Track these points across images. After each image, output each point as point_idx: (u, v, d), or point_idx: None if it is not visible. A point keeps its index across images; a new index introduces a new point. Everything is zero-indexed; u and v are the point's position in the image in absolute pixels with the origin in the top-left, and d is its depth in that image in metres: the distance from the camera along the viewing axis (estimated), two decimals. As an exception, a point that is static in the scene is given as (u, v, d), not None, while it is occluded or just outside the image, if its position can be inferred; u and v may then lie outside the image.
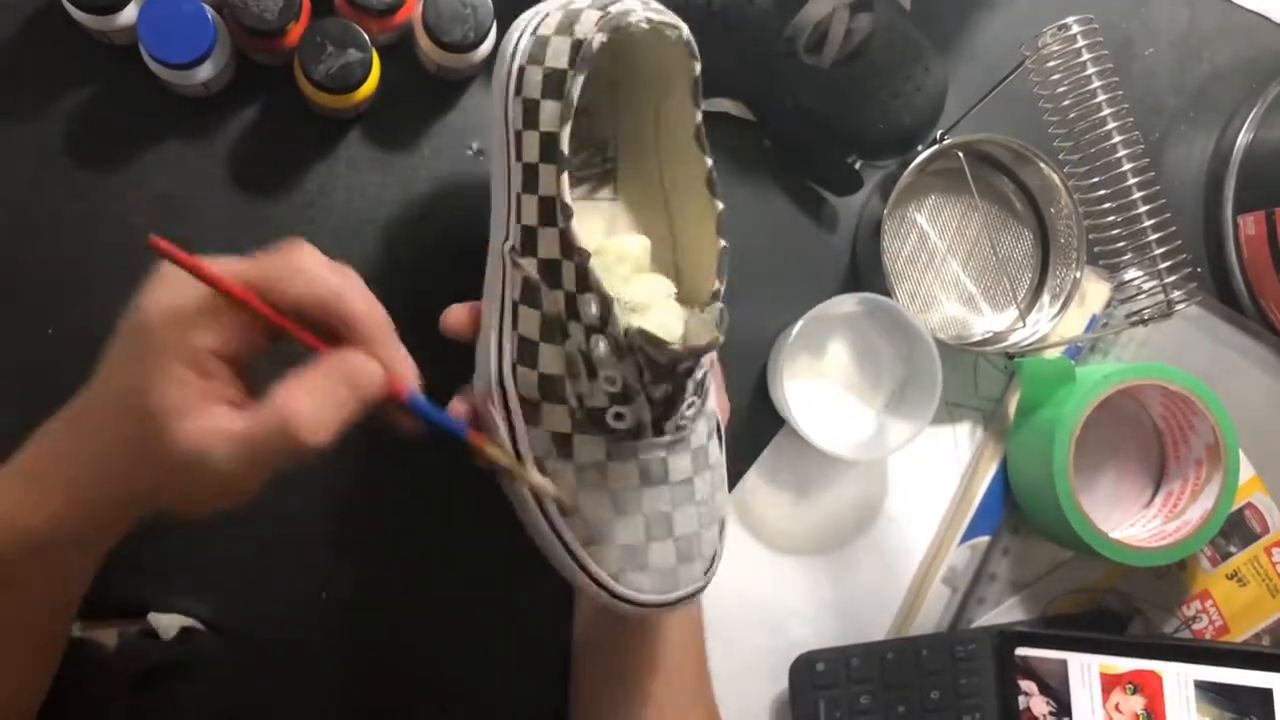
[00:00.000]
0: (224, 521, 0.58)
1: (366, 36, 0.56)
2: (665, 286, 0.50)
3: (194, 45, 0.54)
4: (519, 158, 0.48)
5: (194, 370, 0.39)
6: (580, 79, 0.46)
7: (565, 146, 0.47)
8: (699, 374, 0.48)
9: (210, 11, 0.55)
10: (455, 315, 0.51)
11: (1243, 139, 0.72)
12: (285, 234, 0.59)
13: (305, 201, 0.60)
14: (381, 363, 0.42)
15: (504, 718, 0.62)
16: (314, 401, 0.39)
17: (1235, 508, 0.68)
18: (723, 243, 0.49)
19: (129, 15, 0.55)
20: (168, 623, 0.57)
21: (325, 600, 0.60)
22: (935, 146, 0.64)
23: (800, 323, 0.61)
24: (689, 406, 0.48)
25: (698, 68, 0.49)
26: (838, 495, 0.66)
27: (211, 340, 0.39)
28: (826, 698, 0.62)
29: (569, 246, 0.46)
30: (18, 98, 0.58)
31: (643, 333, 0.44)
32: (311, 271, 0.41)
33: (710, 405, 0.51)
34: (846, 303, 0.62)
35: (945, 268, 0.68)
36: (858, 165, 0.66)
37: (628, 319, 0.46)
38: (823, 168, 0.66)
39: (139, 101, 0.59)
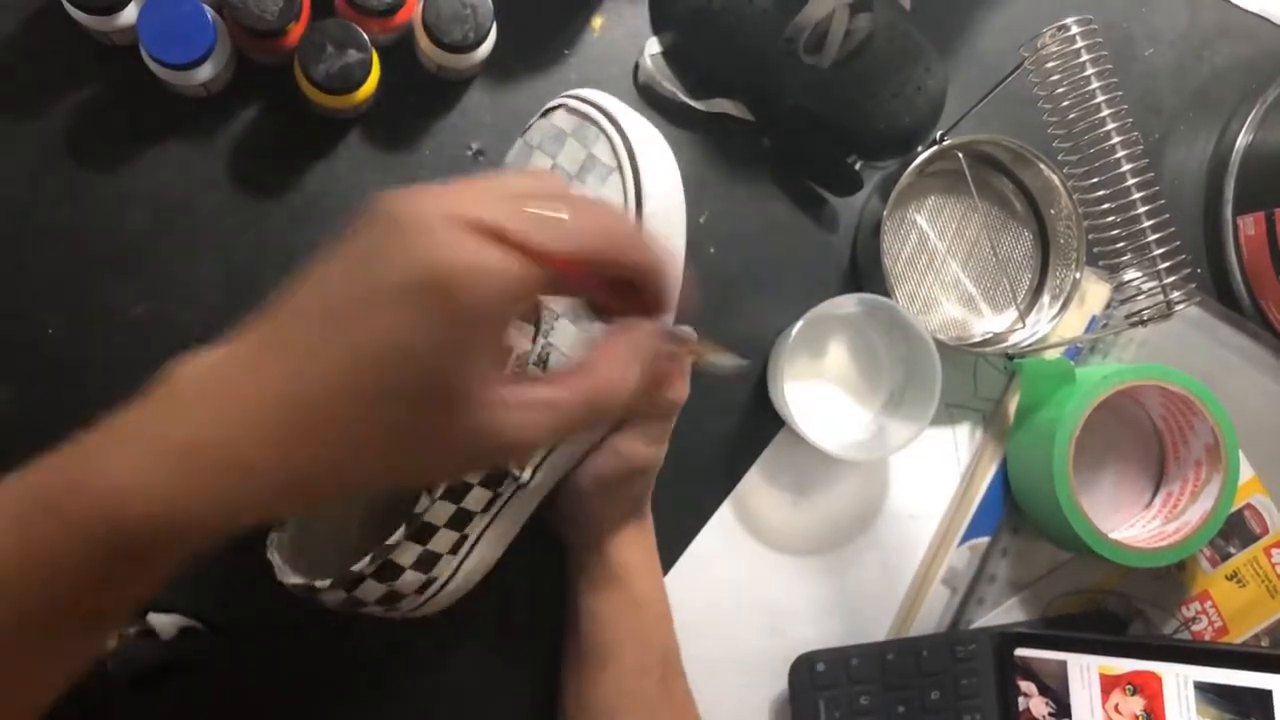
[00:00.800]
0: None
1: (366, 37, 0.56)
2: None
3: (194, 46, 0.54)
4: None
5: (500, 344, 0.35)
6: None
7: None
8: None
9: (210, 12, 0.55)
10: None
11: (1242, 140, 0.72)
12: (285, 235, 0.60)
13: (305, 202, 0.60)
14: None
15: (504, 716, 0.62)
16: (628, 373, 0.37)
17: (1235, 508, 0.68)
18: None
19: (129, 15, 0.55)
20: (167, 623, 0.57)
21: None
22: (935, 147, 0.64)
23: (800, 323, 0.61)
24: None
25: None
26: (837, 496, 0.66)
27: (519, 313, 0.36)
28: (826, 698, 0.62)
29: None
30: (18, 97, 0.58)
31: None
32: (646, 243, 0.37)
33: None
34: (846, 303, 0.62)
35: (945, 268, 0.68)
36: (858, 166, 0.66)
37: None
38: (822, 168, 0.66)
39: (139, 102, 0.59)
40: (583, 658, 0.57)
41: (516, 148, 0.54)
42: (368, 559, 0.49)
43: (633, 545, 0.58)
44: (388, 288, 0.32)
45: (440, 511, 0.50)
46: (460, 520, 0.51)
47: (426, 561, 0.51)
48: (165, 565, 0.34)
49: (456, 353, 0.33)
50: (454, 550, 0.52)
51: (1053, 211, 0.68)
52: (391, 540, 0.49)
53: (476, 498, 0.51)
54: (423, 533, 0.50)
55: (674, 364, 0.52)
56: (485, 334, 0.33)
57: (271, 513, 0.34)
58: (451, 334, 0.32)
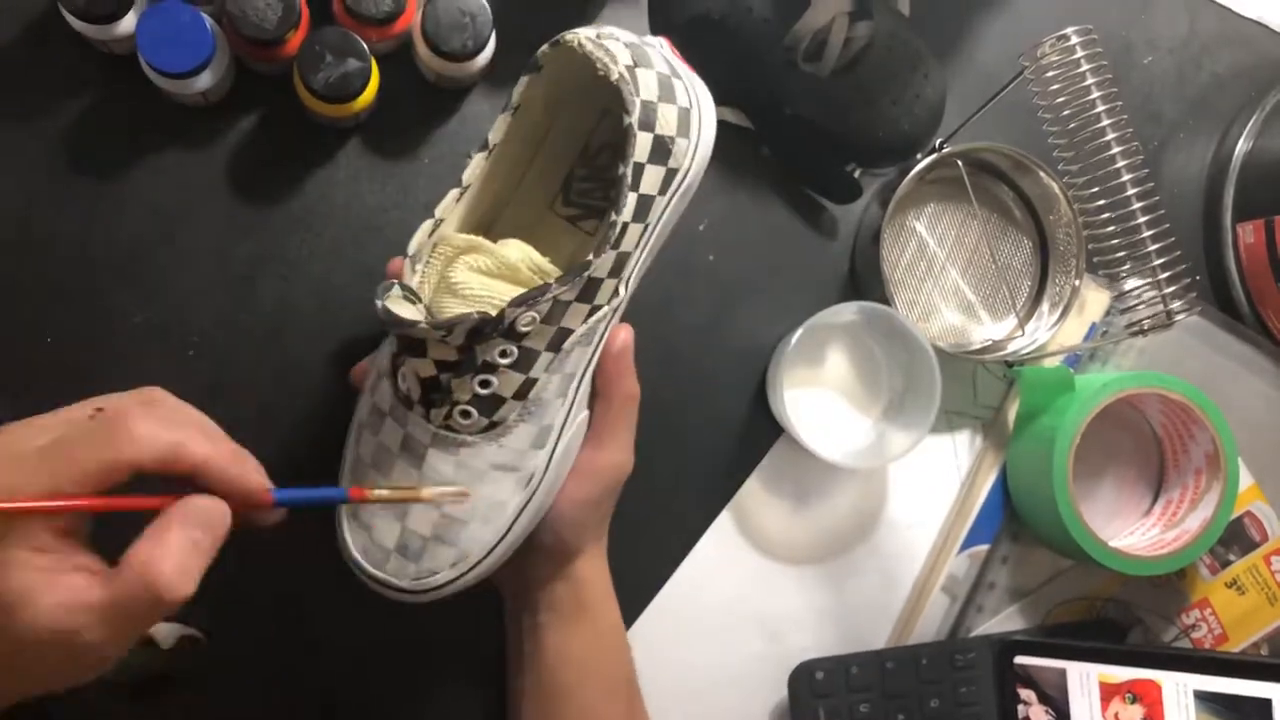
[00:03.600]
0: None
1: (365, 45, 0.56)
2: (510, 291, 0.50)
3: (193, 54, 0.54)
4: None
5: (30, 550, 0.37)
6: (519, 85, 0.51)
7: (467, 172, 0.52)
8: (482, 390, 0.48)
9: (209, 20, 0.55)
10: (359, 367, 0.55)
11: (1242, 147, 0.72)
12: (284, 243, 0.60)
13: (304, 210, 0.60)
14: (236, 489, 0.41)
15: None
16: (173, 555, 0.38)
17: (1234, 516, 0.68)
18: (552, 282, 0.48)
19: (128, 24, 0.55)
20: (167, 631, 0.57)
21: (323, 613, 0.60)
22: (934, 155, 0.64)
23: (799, 331, 0.61)
24: (465, 415, 0.49)
25: (626, 119, 0.48)
26: (837, 503, 0.66)
27: (35, 521, 0.38)
28: (826, 706, 0.62)
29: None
30: (17, 106, 0.58)
31: (383, 303, 0.47)
32: (142, 432, 0.39)
33: (530, 464, 0.50)
34: (845, 311, 0.62)
35: (944, 276, 0.68)
36: (857, 173, 0.66)
37: (443, 299, 0.49)
38: (822, 176, 0.66)
39: (138, 110, 0.59)
40: (545, 694, 0.55)
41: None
42: None
43: (599, 569, 0.57)
44: None
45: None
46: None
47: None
48: None
49: None
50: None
51: (1052, 219, 0.68)
52: None
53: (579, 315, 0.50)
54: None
55: (620, 362, 0.53)
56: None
57: None
58: None
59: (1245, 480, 0.68)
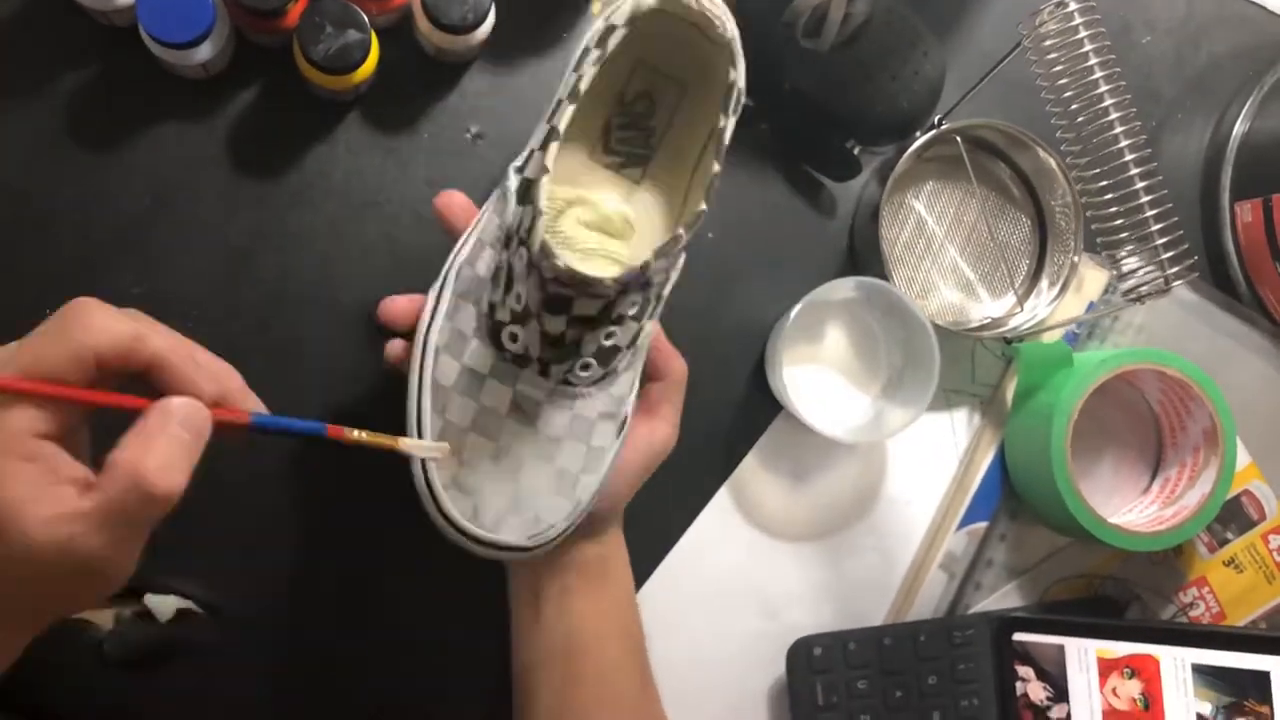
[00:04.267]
0: (221, 504, 0.59)
1: (365, 17, 0.56)
2: (618, 250, 0.51)
3: (193, 25, 0.54)
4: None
5: (20, 460, 0.36)
6: (594, 53, 0.50)
7: (563, 120, 0.49)
8: (606, 341, 0.49)
9: (210, -9, 0.55)
10: (394, 306, 0.52)
11: (1239, 127, 0.72)
12: (283, 216, 0.60)
13: (304, 183, 0.60)
14: (210, 393, 0.41)
15: (493, 700, 0.62)
16: (158, 452, 0.37)
17: (1232, 495, 0.68)
18: (680, 231, 0.47)
19: (128, -5, 0.55)
20: (164, 605, 0.57)
21: (321, 583, 0.60)
22: (933, 131, 0.64)
23: (798, 307, 0.61)
24: (585, 368, 0.49)
25: (732, 74, 0.50)
26: (835, 480, 0.66)
27: (22, 425, 0.37)
28: (824, 682, 0.62)
29: (540, 168, 0.48)
30: (17, 78, 0.58)
31: (546, 247, 0.45)
32: (99, 321, 0.39)
33: (624, 409, 0.52)
34: (844, 287, 0.62)
35: (943, 254, 0.68)
36: (856, 150, 0.66)
37: (556, 247, 0.48)
38: (821, 153, 0.66)
39: (138, 83, 0.59)
40: (563, 653, 0.55)
41: None
42: None
43: (621, 539, 0.58)
44: None
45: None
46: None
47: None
48: None
49: None
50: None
51: (1050, 196, 0.68)
52: None
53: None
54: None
55: (662, 337, 0.55)
56: None
57: None
58: None
59: (1243, 459, 0.68)
